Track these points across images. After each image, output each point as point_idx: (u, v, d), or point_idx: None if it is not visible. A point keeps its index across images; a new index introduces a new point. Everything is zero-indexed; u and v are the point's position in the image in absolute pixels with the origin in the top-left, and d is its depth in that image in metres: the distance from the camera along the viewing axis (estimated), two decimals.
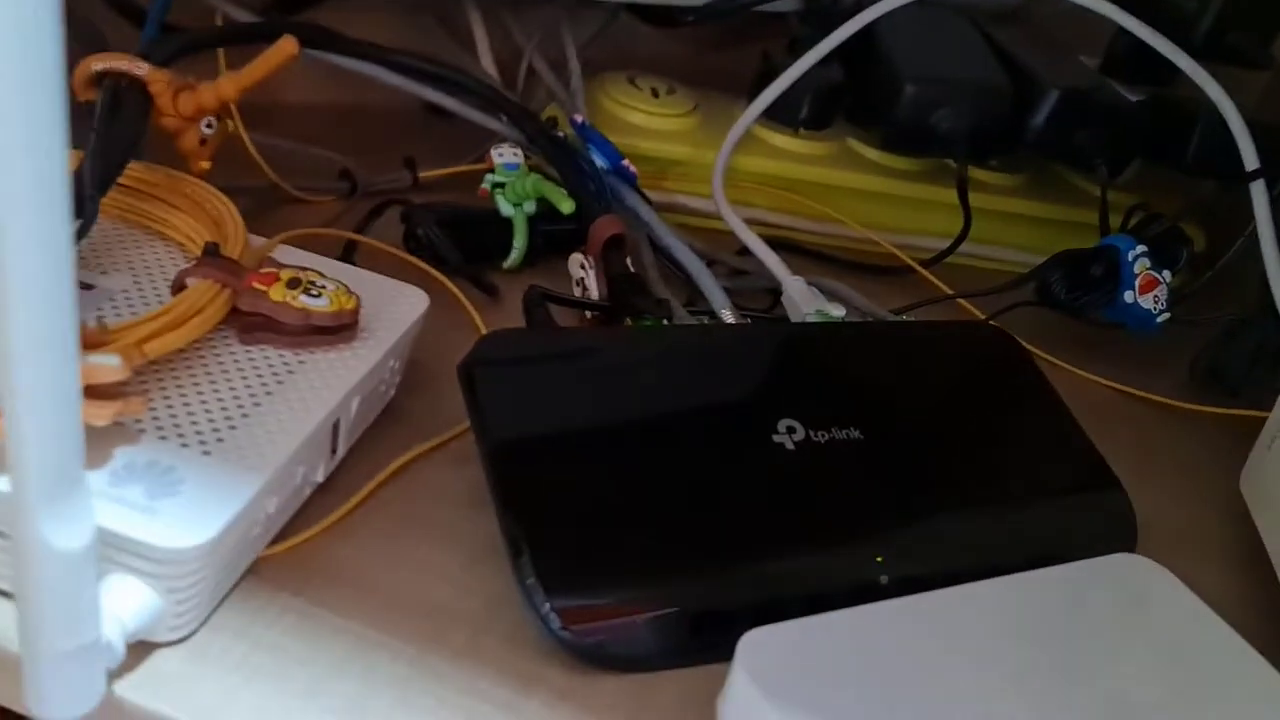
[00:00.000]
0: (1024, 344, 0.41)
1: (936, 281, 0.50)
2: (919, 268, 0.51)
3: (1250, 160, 0.47)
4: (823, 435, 0.34)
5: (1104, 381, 0.48)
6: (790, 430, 0.34)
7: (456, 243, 0.43)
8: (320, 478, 0.32)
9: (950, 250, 0.50)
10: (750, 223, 0.53)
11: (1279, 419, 0.40)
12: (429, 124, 0.55)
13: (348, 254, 0.41)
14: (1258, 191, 0.46)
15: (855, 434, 0.35)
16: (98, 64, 0.34)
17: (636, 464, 0.32)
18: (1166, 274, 0.46)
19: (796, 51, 0.51)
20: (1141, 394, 0.47)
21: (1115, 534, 0.36)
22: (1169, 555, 0.38)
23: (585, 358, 0.35)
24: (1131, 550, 0.36)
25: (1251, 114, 0.47)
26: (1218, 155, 0.48)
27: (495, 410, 0.32)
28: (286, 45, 0.35)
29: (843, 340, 0.39)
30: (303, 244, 0.38)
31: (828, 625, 0.29)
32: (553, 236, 0.45)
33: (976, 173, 0.54)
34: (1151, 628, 0.32)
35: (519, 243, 0.44)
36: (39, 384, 0.20)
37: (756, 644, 0.28)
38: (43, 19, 0.16)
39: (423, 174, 0.49)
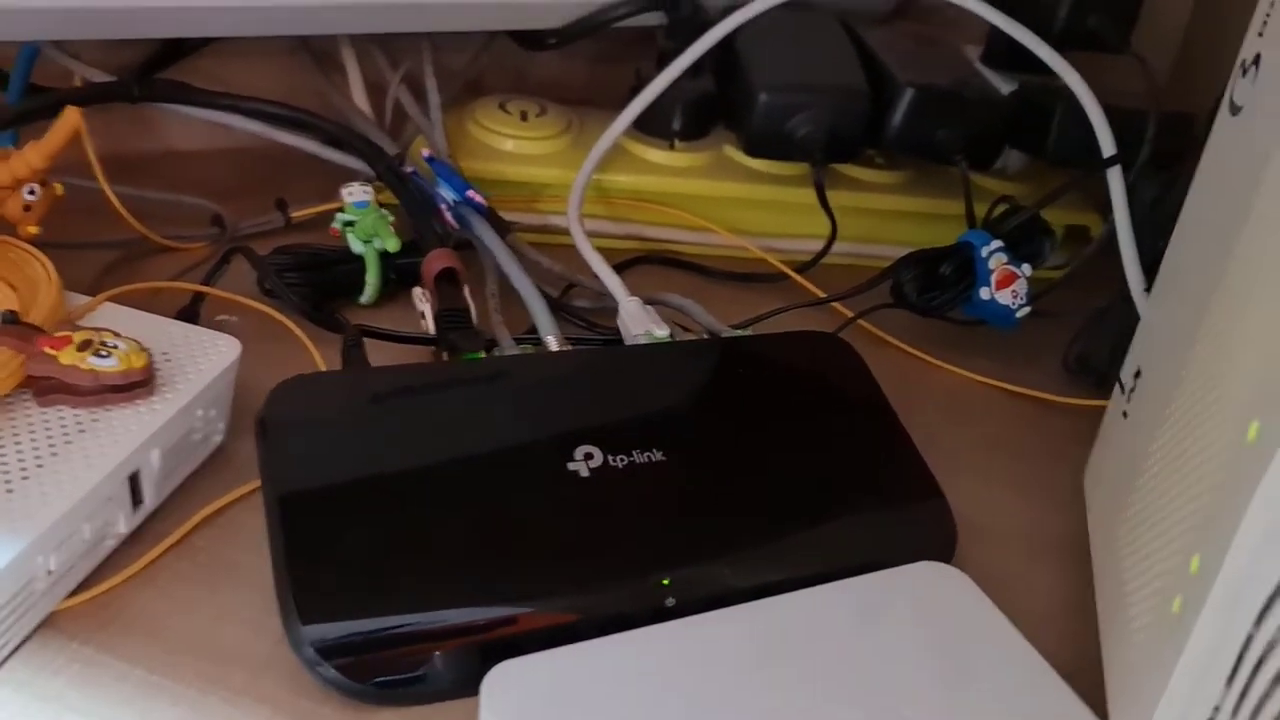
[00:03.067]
0: (854, 349, 0.41)
1: (810, 286, 0.50)
2: (792, 273, 0.51)
3: (1107, 147, 0.46)
4: (621, 460, 0.35)
5: (976, 377, 0.48)
6: (588, 457, 0.35)
7: (314, 282, 0.45)
8: (125, 529, 0.34)
9: (820, 256, 0.50)
10: (630, 238, 0.53)
11: (1113, 411, 0.39)
12: (313, 162, 0.56)
13: (195, 305, 0.43)
14: (1114, 179, 0.46)
15: (657, 456, 0.35)
16: None
17: (422, 500, 0.33)
18: (1026, 268, 0.46)
19: (664, 65, 0.52)
20: (1013, 388, 0.47)
21: (931, 545, 0.36)
22: (1007, 557, 0.38)
23: (385, 396, 0.36)
24: (948, 560, 0.36)
25: (1110, 100, 0.47)
26: (1076, 143, 0.47)
27: (278, 455, 0.33)
28: (70, 117, 0.36)
29: (661, 361, 0.39)
30: (147, 298, 0.40)
31: (586, 653, 0.30)
32: (407, 270, 0.45)
33: (857, 171, 0.54)
34: (937, 636, 0.32)
35: (371, 279, 0.45)
36: None
37: (504, 678, 0.29)
38: None
39: (296, 214, 0.50)
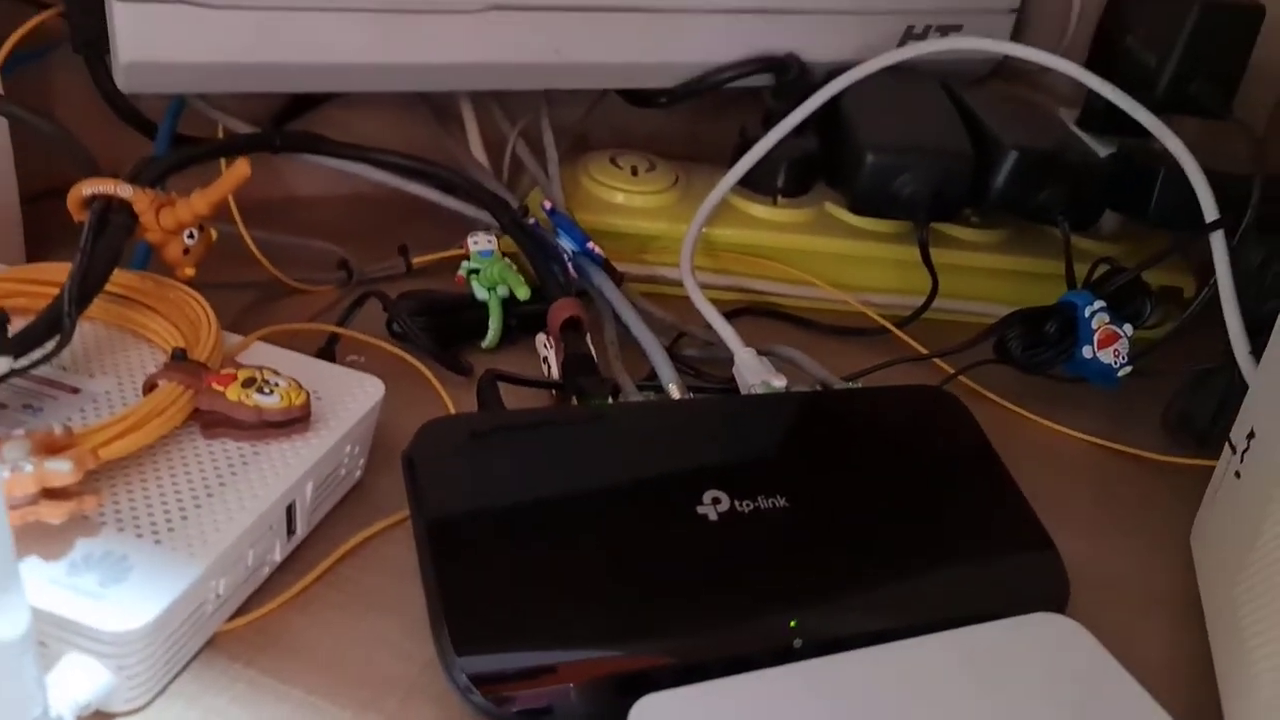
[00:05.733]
0: (964, 405, 0.42)
1: (911, 341, 0.52)
2: (893, 328, 0.52)
3: (1210, 211, 0.47)
4: (747, 505, 0.36)
5: (1074, 433, 0.49)
6: (715, 501, 0.36)
7: (438, 326, 0.47)
8: (279, 557, 0.36)
9: (920, 311, 0.51)
10: (733, 290, 0.55)
11: (1222, 471, 0.40)
12: (428, 209, 0.58)
13: (330, 345, 0.45)
14: (1217, 243, 0.47)
15: (781, 502, 0.37)
16: (87, 188, 0.39)
17: (562, 537, 0.34)
18: (1128, 328, 0.47)
19: (770, 125, 0.54)
20: (1112, 445, 0.48)
21: (1045, 594, 0.37)
22: (1115, 610, 0.39)
23: (522, 438, 0.37)
24: (1062, 610, 0.37)
25: (1210, 164, 0.48)
26: (1177, 207, 0.49)
27: (427, 492, 0.35)
28: (240, 168, 0.39)
29: (780, 411, 0.41)
30: (286, 339, 0.42)
31: (725, 690, 0.31)
32: (527, 317, 0.48)
33: (954, 230, 0.56)
34: (1058, 687, 0.33)
35: (494, 325, 0.47)
36: None
37: (649, 711, 0.30)
38: None
39: (416, 259, 0.53)
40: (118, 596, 0.30)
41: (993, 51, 0.54)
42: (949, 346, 0.48)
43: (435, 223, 0.56)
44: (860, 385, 0.44)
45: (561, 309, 0.44)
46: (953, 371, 0.49)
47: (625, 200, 0.55)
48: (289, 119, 0.56)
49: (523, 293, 0.45)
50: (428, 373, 0.45)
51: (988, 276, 0.55)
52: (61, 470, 0.30)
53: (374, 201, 0.58)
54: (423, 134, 0.58)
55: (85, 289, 0.36)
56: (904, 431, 0.41)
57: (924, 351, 0.50)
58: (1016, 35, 0.61)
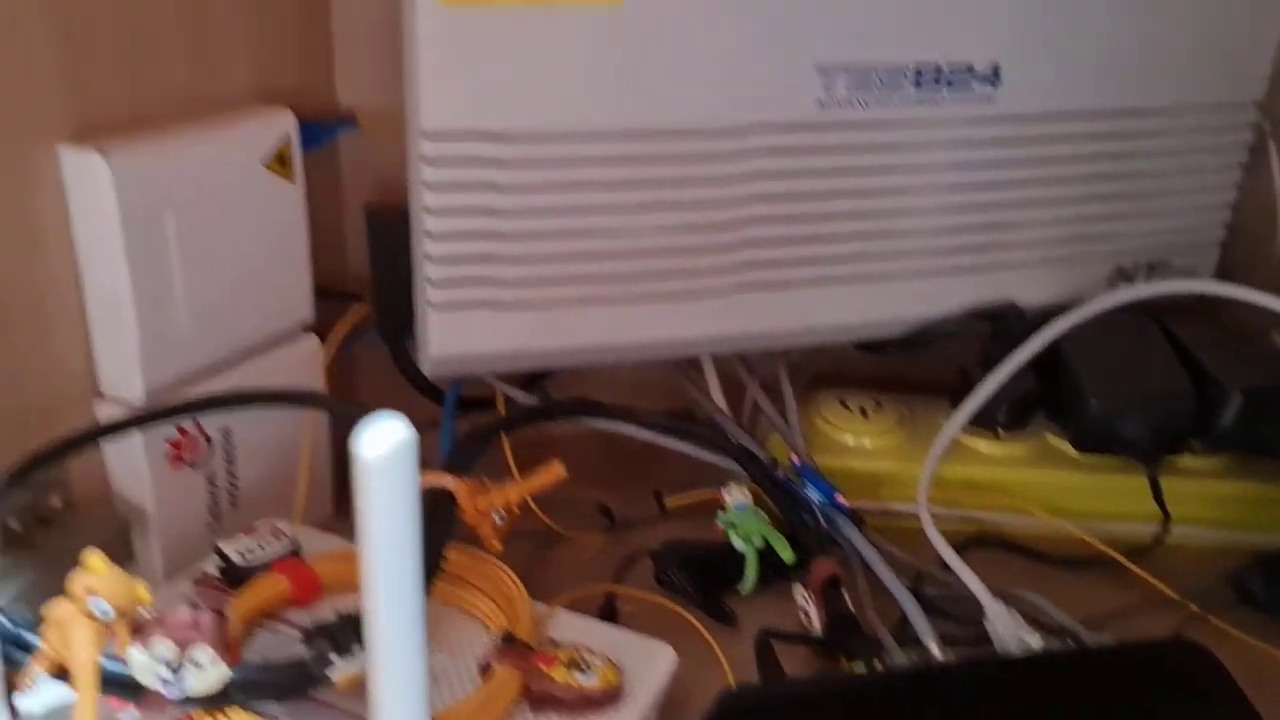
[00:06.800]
0: (1220, 660, 0.44)
1: (1144, 575, 0.54)
2: (1127, 562, 0.54)
3: None
4: None
5: None
6: None
7: (699, 574, 0.52)
8: None
9: (1152, 547, 0.54)
10: (961, 521, 0.58)
11: None
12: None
13: (611, 604, 0.50)
14: None
15: None
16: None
17: None
18: None
19: (989, 365, 0.58)
20: None
21: None
22: None
23: (812, 709, 0.41)
24: None
25: None
26: None
27: None
28: (556, 469, 0.45)
29: (1042, 675, 0.44)
30: (573, 602, 0.47)
31: None
32: (781, 564, 0.52)
33: (1178, 458, 0.58)
34: None
35: (751, 574, 0.51)
36: None
37: None
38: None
39: (669, 502, 0.58)
40: None
41: (1215, 293, 0.57)
42: (1192, 588, 0.50)
43: (684, 464, 0.61)
44: (1110, 637, 0.47)
45: (822, 568, 0.48)
46: (1195, 609, 0.51)
47: (856, 442, 0.59)
48: (542, 376, 0.63)
49: (788, 556, 0.50)
50: (695, 622, 0.50)
51: (1215, 503, 0.57)
52: None
53: (627, 443, 0.64)
54: (664, 378, 0.64)
55: (426, 573, 0.42)
56: (1163, 691, 0.43)
57: (1167, 591, 0.52)
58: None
